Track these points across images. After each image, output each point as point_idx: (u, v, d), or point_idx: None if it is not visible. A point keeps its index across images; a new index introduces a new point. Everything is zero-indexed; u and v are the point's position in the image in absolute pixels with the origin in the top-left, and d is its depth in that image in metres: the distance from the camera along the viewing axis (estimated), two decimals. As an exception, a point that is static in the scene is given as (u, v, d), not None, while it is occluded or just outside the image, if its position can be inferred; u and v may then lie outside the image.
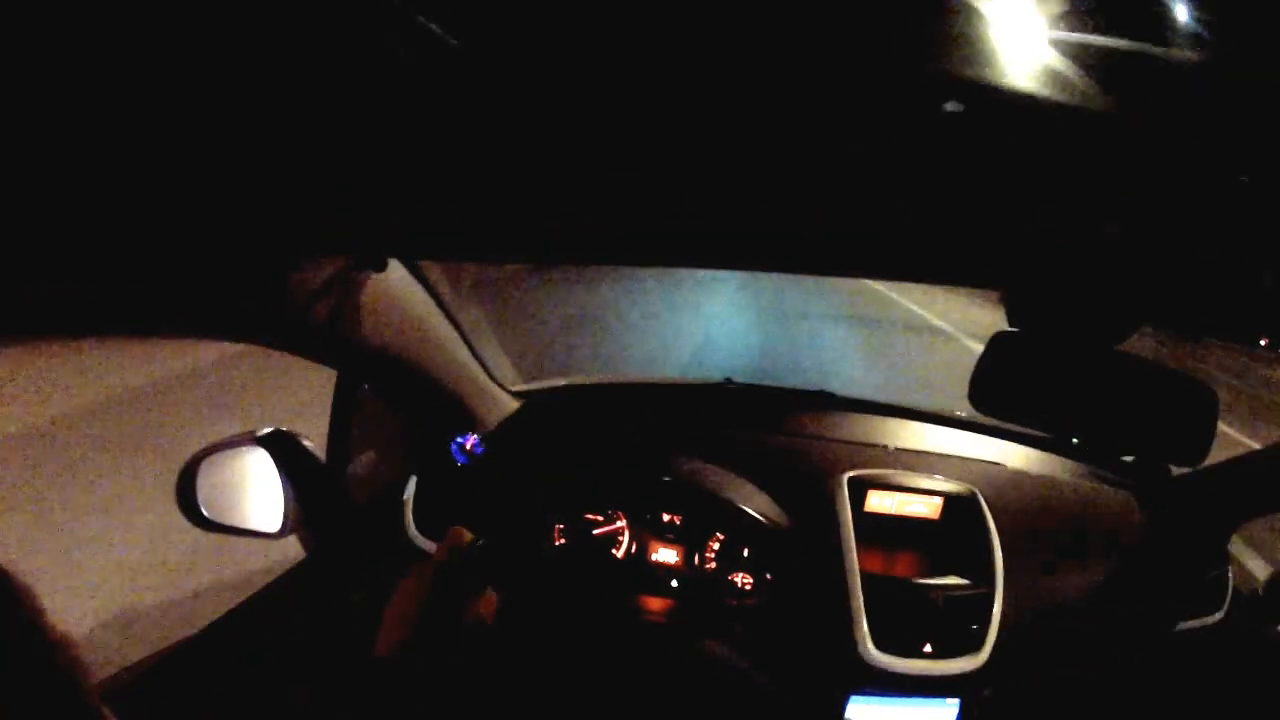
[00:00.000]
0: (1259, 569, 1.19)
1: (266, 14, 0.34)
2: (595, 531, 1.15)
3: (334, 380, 1.16)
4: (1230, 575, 1.18)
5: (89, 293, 0.57)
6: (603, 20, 0.35)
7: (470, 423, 1.16)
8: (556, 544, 1.15)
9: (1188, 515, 1.16)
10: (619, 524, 1.15)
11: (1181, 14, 0.34)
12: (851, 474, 1.11)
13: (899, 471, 1.13)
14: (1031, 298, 0.79)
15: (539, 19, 0.35)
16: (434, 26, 0.35)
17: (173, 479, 0.91)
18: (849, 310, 7.87)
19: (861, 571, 1.04)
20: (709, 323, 6.35)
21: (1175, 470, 1.20)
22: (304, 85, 0.39)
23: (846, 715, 1.04)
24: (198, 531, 0.94)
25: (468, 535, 0.72)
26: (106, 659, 1.45)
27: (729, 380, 1.41)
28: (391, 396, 1.11)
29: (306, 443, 1.02)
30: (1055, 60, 0.34)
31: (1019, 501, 1.13)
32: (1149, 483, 1.19)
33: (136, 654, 1.00)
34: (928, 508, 1.11)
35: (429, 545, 1.09)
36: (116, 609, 2.04)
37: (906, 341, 6.92)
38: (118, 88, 0.37)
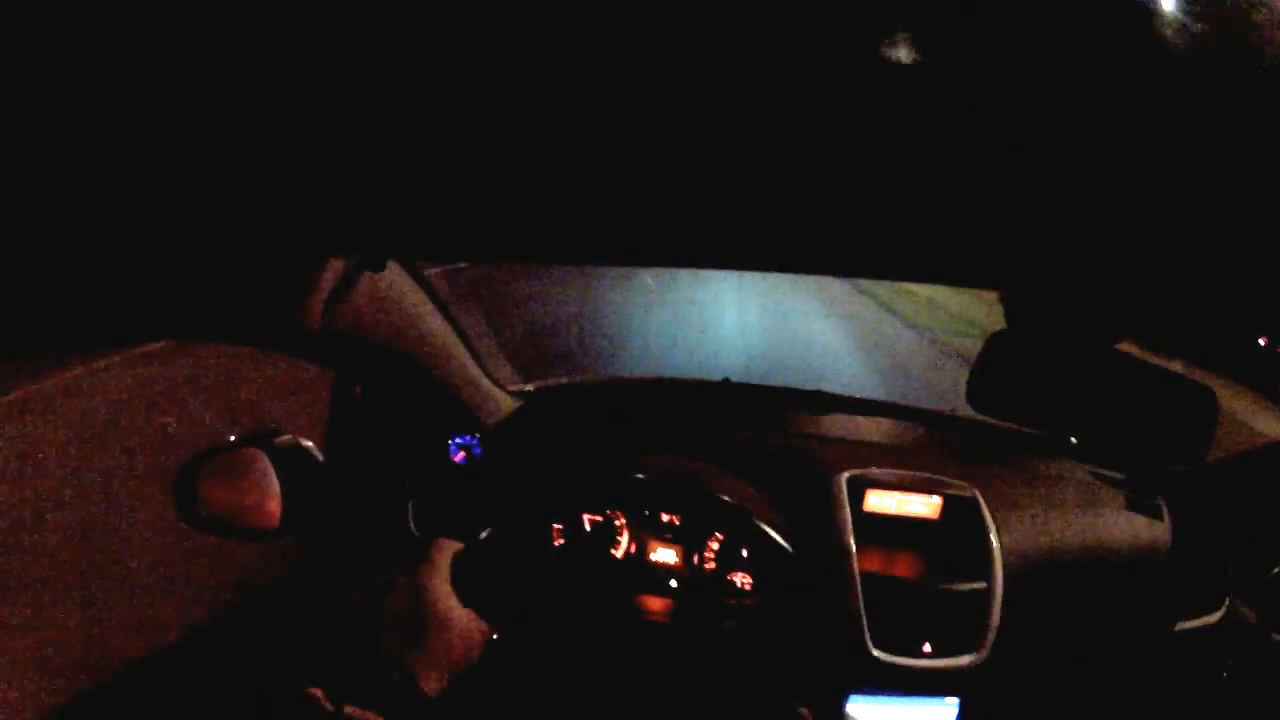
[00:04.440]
0: (1259, 569, 1.19)
1: (265, 13, 0.34)
2: (593, 531, 1.15)
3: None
4: (1230, 575, 1.18)
5: (89, 294, 0.57)
6: (601, 19, 0.35)
7: (468, 423, 1.16)
8: (555, 544, 1.15)
9: (1187, 515, 1.16)
10: (618, 524, 1.15)
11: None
12: (850, 473, 1.11)
13: (898, 471, 1.13)
14: (1031, 298, 0.79)
15: (538, 17, 0.35)
16: (433, 27, 0.35)
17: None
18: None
19: (861, 571, 1.04)
20: (707, 321, 6.37)
21: (1175, 470, 1.20)
22: (302, 85, 0.39)
23: (846, 714, 1.04)
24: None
25: (457, 545, 0.73)
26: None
27: (727, 380, 1.41)
28: (390, 397, 1.11)
29: (305, 443, 1.02)
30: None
31: (1018, 501, 1.13)
32: (1148, 482, 1.19)
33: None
34: (927, 507, 1.11)
35: (427, 546, 1.09)
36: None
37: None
38: (117, 88, 0.37)
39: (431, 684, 0.71)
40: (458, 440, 1.17)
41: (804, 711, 1.00)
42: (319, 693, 0.68)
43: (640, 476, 1.14)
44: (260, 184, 0.49)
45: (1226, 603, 1.17)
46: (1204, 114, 0.39)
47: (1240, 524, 1.16)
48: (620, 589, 1.13)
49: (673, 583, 1.14)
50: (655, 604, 1.12)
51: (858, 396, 1.37)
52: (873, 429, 1.27)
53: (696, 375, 1.59)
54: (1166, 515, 1.15)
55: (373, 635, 0.77)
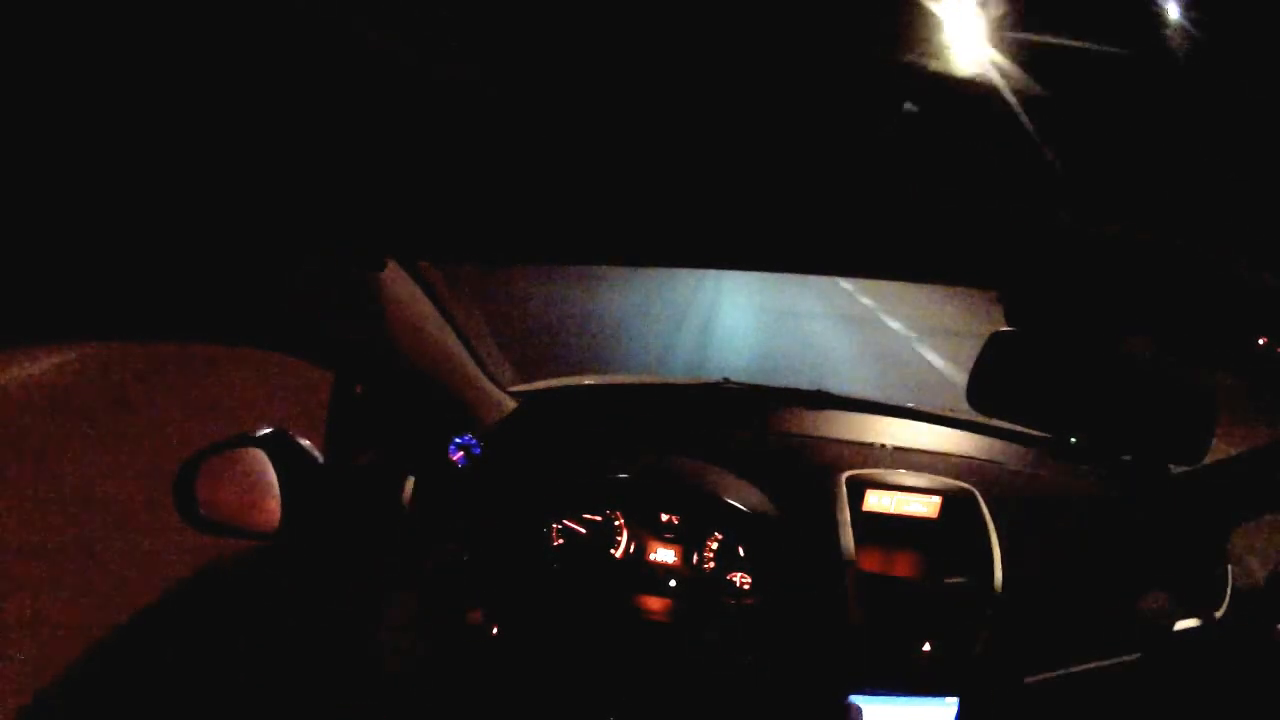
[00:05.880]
0: (1259, 569, 1.19)
1: (266, 16, 0.34)
2: (593, 531, 1.15)
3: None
4: (1230, 575, 1.18)
5: (88, 294, 0.57)
6: (600, 24, 0.35)
7: (468, 423, 1.15)
8: (555, 544, 1.14)
9: (1187, 514, 1.16)
10: (617, 524, 1.15)
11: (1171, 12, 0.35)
12: (850, 473, 1.11)
13: (897, 471, 1.13)
14: (1030, 297, 0.79)
15: (538, 20, 0.35)
16: (433, 28, 0.35)
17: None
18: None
19: (860, 571, 1.04)
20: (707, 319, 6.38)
21: (1175, 469, 1.20)
22: (303, 87, 0.39)
23: (846, 714, 1.04)
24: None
25: (445, 554, 0.73)
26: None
27: (726, 380, 1.41)
28: (389, 397, 1.10)
29: (304, 443, 1.02)
30: (1003, 60, 0.35)
31: (1017, 501, 1.13)
32: (1148, 482, 1.19)
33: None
34: (926, 507, 1.11)
35: (427, 547, 1.09)
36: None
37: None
38: (119, 90, 0.37)
39: (430, 687, 0.71)
40: (458, 440, 1.17)
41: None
42: (316, 694, 0.68)
43: (639, 477, 1.14)
44: (261, 184, 0.49)
45: (1226, 603, 1.17)
46: (1204, 115, 0.39)
47: (1239, 523, 1.16)
48: (620, 589, 1.13)
49: (672, 583, 1.13)
50: (655, 604, 1.12)
51: (858, 396, 1.36)
52: (873, 429, 1.27)
53: (695, 375, 1.59)
54: (1167, 515, 1.15)
55: (371, 637, 0.77)
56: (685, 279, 7.89)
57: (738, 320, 6.68)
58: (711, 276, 8.14)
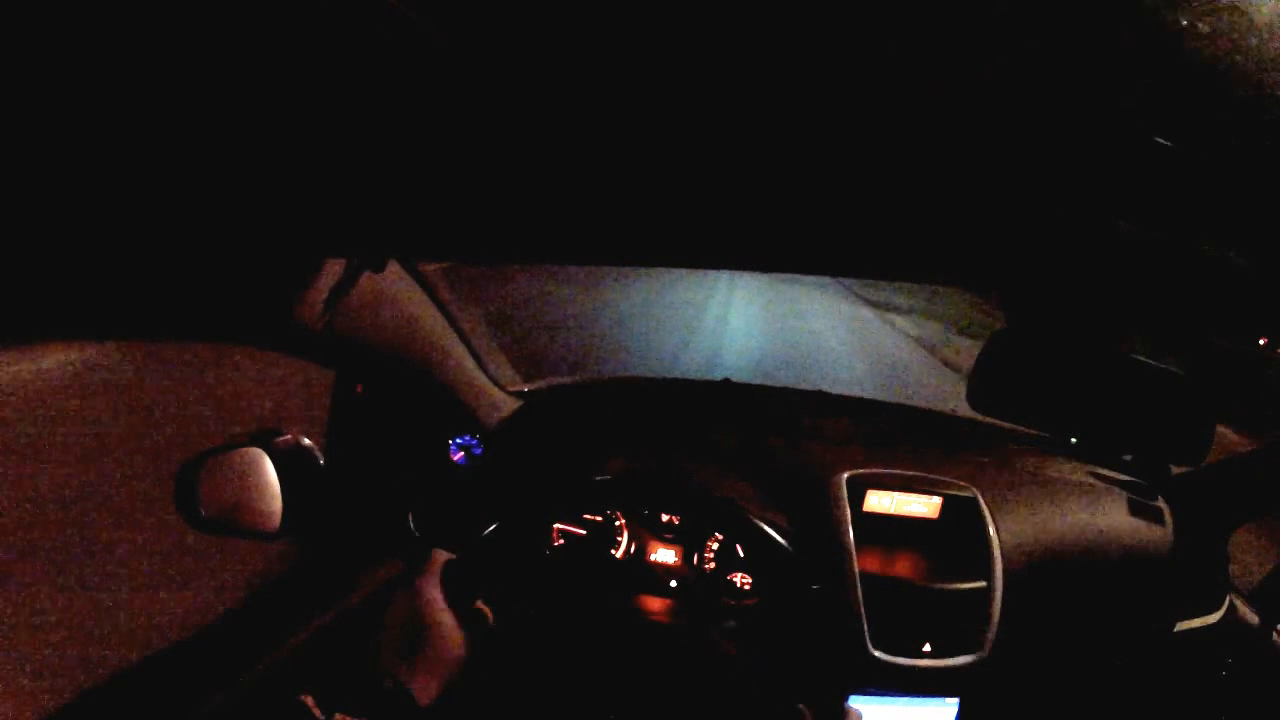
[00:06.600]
0: (1259, 569, 1.20)
1: (265, 17, 0.34)
2: (593, 531, 1.15)
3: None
4: (1230, 575, 1.18)
5: (91, 293, 0.57)
6: (601, 21, 0.35)
7: (469, 423, 1.16)
8: (555, 544, 1.15)
9: (1187, 515, 1.16)
10: (618, 524, 1.15)
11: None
12: (850, 473, 1.11)
13: (898, 471, 1.13)
14: (1030, 298, 0.79)
15: (537, 19, 0.35)
16: (433, 28, 0.35)
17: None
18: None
19: (860, 571, 1.04)
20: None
21: (1175, 469, 1.20)
22: (303, 88, 0.39)
23: (846, 714, 1.04)
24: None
25: (444, 556, 0.73)
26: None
27: (728, 380, 1.41)
28: (390, 397, 1.11)
29: (306, 443, 1.02)
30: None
31: (1018, 501, 1.13)
32: (1148, 482, 1.19)
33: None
34: (927, 507, 1.11)
35: (426, 550, 1.09)
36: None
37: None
38: (119, 92, 0.37)
39: (426, 693, 0.71)
40: (458, 440, 1.17)
41: (804, 709, 1.00)
42: (310, 700, 0.68)
43: (640, 477, 1.14)
44: (262, 185, 0.49)
45: (1226, 603, 1.17)
46: (1204, 114, 0.39)
47: (1239, 523, 1.16)
48: (620, 589, 1.13)
49: (672, 583, 1.14)
50: (655, 604, 1.12)
51: (858, 397, 1.37)
52: (873, 429, 1.27)
53: (697, 375, 1.59)
54: (1166, 515, 1.15)
55: (369, 641, 0.77)
56: (683, 278, 7.91)
57: (739, 324, 6.79)
58: (724, 280, 8.23)
